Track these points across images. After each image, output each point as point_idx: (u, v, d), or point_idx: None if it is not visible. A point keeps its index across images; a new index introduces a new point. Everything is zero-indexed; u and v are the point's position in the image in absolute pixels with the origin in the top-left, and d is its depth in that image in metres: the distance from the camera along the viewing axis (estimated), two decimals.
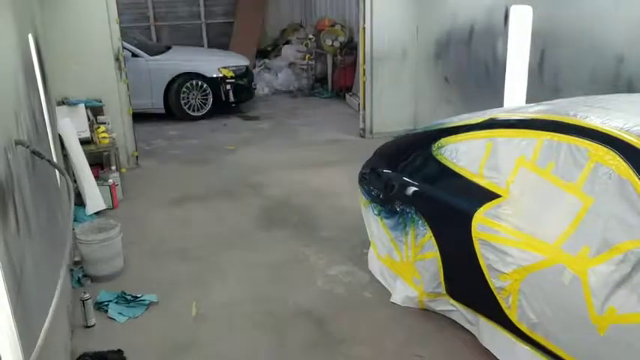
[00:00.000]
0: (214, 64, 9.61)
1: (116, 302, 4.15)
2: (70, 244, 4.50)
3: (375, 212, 4.29)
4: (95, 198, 5.66)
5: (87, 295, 3.92)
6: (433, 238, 3.74)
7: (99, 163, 6.36)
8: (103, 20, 6.60)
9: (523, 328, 3.15)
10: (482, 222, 3.33)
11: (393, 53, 8.00)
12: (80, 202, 5.64)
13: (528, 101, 5.44)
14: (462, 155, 3.70)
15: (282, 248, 5.02)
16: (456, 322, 3.79)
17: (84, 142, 5.95)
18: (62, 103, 6.29)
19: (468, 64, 6.97)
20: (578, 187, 2.87)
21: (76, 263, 4.67)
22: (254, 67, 11.86)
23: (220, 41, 12.67)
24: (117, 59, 6.81)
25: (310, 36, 11.80)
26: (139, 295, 4.19)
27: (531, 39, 5.67)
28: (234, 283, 4.47)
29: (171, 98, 9.31)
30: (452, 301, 3.76)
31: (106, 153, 6.39)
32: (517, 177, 3.27)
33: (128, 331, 3.90)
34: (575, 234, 2.81)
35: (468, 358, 3.51)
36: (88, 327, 3.92)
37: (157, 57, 9.51)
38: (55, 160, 4.44)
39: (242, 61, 10.12)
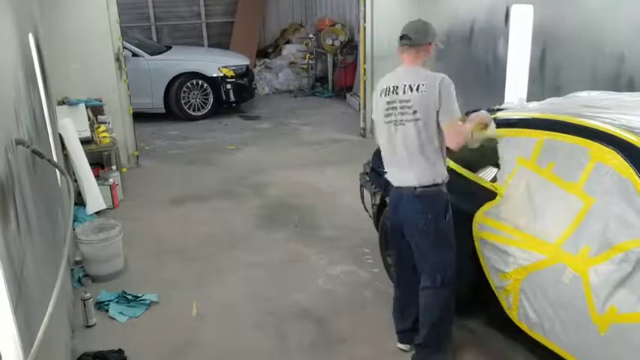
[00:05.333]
0: (215, 63, 9.61)
1: (117, 302, 4.15)
2: (71, 243, 4.50)
3: None
4: (95, 198, 5.66)
5: (87, 295, 3.92)
6: None
7: (99, 162, 6.36)
8: (103, 20, 6.60)
9: (523, 327, 3.15)
10: (483, 221, 3.33)
11: (393, 53, 7.91)
12: (81, 201, 5.64)
13: (528, 101, 5.44)
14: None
15: (282, 248, 5.01)
16: (456, 322, 3.79)
17: (84, 142, 5.95)
18: (62, 102, 6.29)
19: (468, 63, 6.96)
20: (579, 186, 2.86)
21: (76, 263, 4.68)
22: (254, 66, 11.86)
23: (221, 41, 12.67)
24: (117, 59, 6.81)
25: (311, 35, 11.81)
26: (139, 295, 4.19)
27: (532, 38, 5.67)
28: (235, 283, 4.47)
29: (171, 98, 9.31)
30: None
31: (106, 153, 6.39)
32: (517, 176, 3.27)
33: (129, 330, 3.90)
34: (575, 233, 2.81)
35: (468, 357, 3.51)
36: (89, 326, 3.92)
37: (158, 57, 9.52)
38: (55, 159, 4.44)
39: (242, 61, 10.12)
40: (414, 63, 3.19)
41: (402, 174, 3.22)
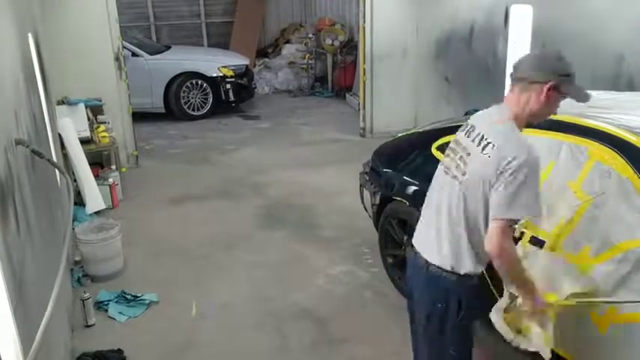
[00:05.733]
0: (214, 63, 9.61)
1: (116, 302, 4.15)
2: (70, 243, 4.50)
3: None
4: (95, 197, 5.65)
5: (87, 295, 3.91)
6: None
7: (99, 162, 6.35)
8: (102, 19, 6.60)
9: None
10: None
11: (393, 53, 8.00)
12: (80, 201, 5.63)
13: None
14: None
15: (282, 248, 5.01)
16: None
17: (84, 142, 5.94)
18: (62, 102, 6.29)
19: (468, 63, 6.97)
20: (578, 185, 2.86)
21: (76, 263, 4.67)
22: (254, 66, 11.85)
23: (220, 40, 12.67)
24: (117, 59, 6.81)
25: (310, 35, 11.81)
26: (139, 295, 4.19)
27: (532, 38, 5.67)
28: (234, 283, 4.47)
29: (171, 97, 9.31)
30: None
31: (105, 152, 6.38)
32: None
33: (128, 330, 3.90)
34: (575, 233, 2.81)
35: None
36: (88, 326, 3.92)
37: (157, 56, 9.52)
38: (54, 159, 4.44)
39: (242, 61, 10.12)
40: (512, 105, 2.32)
41: (425, 236, 2.50)
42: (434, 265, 2.41)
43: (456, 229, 2.36)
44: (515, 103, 2.32)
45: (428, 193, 2.58)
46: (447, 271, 2.38)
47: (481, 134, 2.32)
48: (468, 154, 2.34)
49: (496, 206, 2.20)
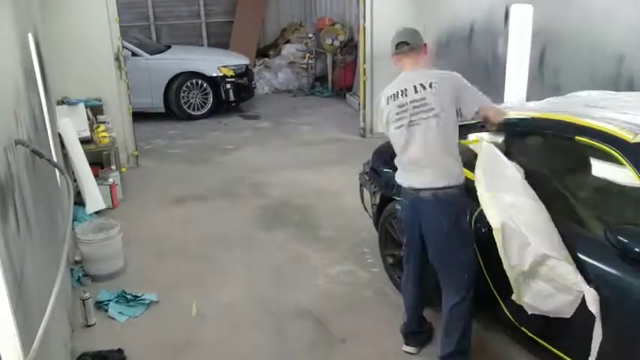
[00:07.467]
0: (214, 63, 9.61)
1: (116, 301, 4.15)
2: (70, 243, 4.50)
3: None
4: (95, 197, 5.65)
5: (87, 295, 3.92)
6: None
7: (99, 162, 6.36)
8: (102, 19, 6.60)
9: (524, 329, 3.15)
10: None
11: None
12: (80, 201, 5.63)
13: (528, 101, 5.44)
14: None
15: (282, 248, 5.01)
16: None
17: (84, 142, 5.94)
18: (62, 102, 6.29)
19: (468, 63, 6.97)
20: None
21: (76, 262, 4.67)
22: (254, 66, 11.85)
23: (220, 40, 12.67)
24: (117, 58, 6.80)
25: (310, 35, 11.81)
26: (139, 295, 4.19)
27: (532, 38, 5.67)
28: (235, 283, 4.47)
29: (171, 97, 9.31)
30: None
31: (105, 152, 6.39)
32: None
33: (128, 330, 3.90)
34: None
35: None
36: (89, 326, 3.92)
37: (157, 56, 9.52)
38: (54, 159, 4.43)
39: (242, 60, 10.12)
40: (417, 65, 3.15)
41: (422, 176, 3.08)
42: (441, 188, 3.01)
43: (437, 156, 3.03)
44: (417, 63, 3.18)
45: (399, 156, 3.18)
46: (450, 187, 3.02)
47: (419, 84, 3.03)
48: (422, 99, 3.00)
49: (476, 99, 3.08)
